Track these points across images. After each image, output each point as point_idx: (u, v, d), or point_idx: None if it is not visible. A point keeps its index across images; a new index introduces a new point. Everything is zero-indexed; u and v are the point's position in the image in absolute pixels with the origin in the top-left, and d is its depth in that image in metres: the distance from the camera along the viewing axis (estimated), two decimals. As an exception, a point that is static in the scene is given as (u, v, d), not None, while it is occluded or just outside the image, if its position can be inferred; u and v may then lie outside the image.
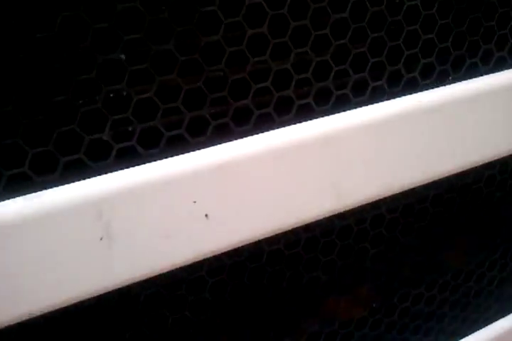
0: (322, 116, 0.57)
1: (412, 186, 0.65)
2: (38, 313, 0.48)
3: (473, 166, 0.69)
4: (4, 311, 0.46)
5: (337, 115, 0.58)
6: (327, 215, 0.60)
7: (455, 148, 0.65)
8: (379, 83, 0.60)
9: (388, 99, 0.61)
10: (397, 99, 0.61)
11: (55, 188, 0.46)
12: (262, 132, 0.54)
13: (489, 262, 0.82)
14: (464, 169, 0.68)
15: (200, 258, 0.53)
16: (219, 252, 0.54)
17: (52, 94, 0.44)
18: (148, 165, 0.49)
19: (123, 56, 0.46)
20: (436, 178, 0.66)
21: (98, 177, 0.47)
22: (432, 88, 0.63)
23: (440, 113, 0.63)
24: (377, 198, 0.63)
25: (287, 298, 0.64)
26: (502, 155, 0.71)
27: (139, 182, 0.48)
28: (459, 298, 0.80)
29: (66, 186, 0.46)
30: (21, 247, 0.45)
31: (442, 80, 0.65)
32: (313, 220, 0.59)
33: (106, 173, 0.48)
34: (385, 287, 0.72)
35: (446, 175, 0.67)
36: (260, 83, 0.53)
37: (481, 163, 0.69)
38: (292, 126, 0.56)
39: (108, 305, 0.53)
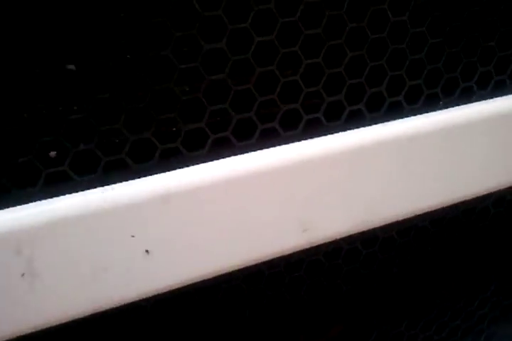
0: (290, 142, 0.51)
1: (391, 221, 0.59)
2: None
3: (458, 201, 0.62)
4: None
5: (308, 140, 0.52)
6: (292, 251, 0.54)
7: (440, 181, 0.59)
8: (357, 107, 0.54)
9: (369, 124, 0.55)
10: (379, 125, 0.55)
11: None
12: (218, 158, 0.48)
13: (479, 300, 0.76)
14: (450, 203, 0.62)
15: (137, 298, 0.48)
16: (160, 291, 0.48)
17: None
18: (80, 193, 0.43)
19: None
20: (420, 212, 0.60)
21: (17, 206, 0.42)
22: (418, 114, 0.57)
23: (425, 140, 0.56)
24: (351, 233, 0.56)
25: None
26: (497, 188, 0.65)
27: (65, 213, 0.42)
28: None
29: (-19, 216, 0.41)
30: None
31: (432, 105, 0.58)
32: (275, 256, 0.53)
33: (27, 203, 0.42)
34: (360, 327, 0.66)
35: (431, 209, 0.61)
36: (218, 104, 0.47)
37: (470, 197, 0.63)
38: (254, 153, 0.50)
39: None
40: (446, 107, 0.59)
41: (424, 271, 0.68)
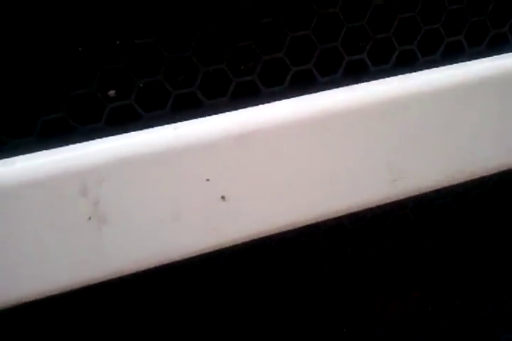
0: (379, 78, 0.45)
1: (486, 173, 0.52)
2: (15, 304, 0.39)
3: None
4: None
5: (399, 76, 0.46)
6: (378, 203, 0.48)
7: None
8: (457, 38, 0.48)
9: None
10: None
11: (30, 154, 0.37)
12: (301, 94, 0.43)
13: None
14: None
15: (213, 248, 0.43)
16: (240, 241, 0.44)
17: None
18: (149, 130, 0.39)
19: None
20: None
21: (84, 143, 0.38)
22: None
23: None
24: (441, 186, 0.51)
25: (328, 293, 0.54)
26: None
27: (133, 150, 0.38)
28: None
29: (44, 152, 0.37)
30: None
31: None
32: (361, 208, 0.48)
33: (95, 139, 0.38)
34: (441, 290, 0.61)
35: None
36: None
37: None
38: (342, 89, 0.44)
39: (95, 299, 0.44)
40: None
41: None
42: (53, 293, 0.40)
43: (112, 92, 0.39)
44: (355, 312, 0.57)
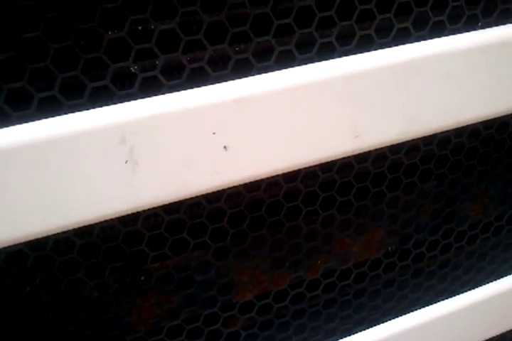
0: (344, 56, 0.58)
1: (434, 131, 0.66)
2: (65, 229, 0.51)
3: (499, 115, 0.69)
4: (34, 224, 0.50)
5: (359, 55, 0.59)
6: (345, 155, 0.61)
7: (485, 94, 0.65)
8: (405, 25, 0.61)
9: (415, 41, 0.62)
10: (422, 43, 0.62)
11: (83, 112, 0.49)
12: (284, 68, 0.56)
13: (508, 216, 0.83)
14: (490, 117, 0.68)
15: (220, 188, 0.56)
16: (237, 183, 0.57)
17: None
18: (170, 95, 0.52)
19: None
20: (459, 125, 0.67)
21: (123, 103, 0.50)
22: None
23: (472, 54, 0.63)
24: (397, 141, 0.64)
25: (303, 233, 0.67)
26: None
27: (161, 111, 0.51)
28: (476, 249, 0.82)
29: (93, 110, 0.49)
30: (51, 165, 0.48)
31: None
32: (331, 159, 0.61)
33: (130, 101, 0.50)
34: (401, 232, 0.74)
35: (470, 122, 0.67)
36: (283, 20, 0.54)
37: (508, 112, 0.69)
38: (314, 64, 0.57)
39: (130, 228, 0.57)
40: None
41: (459, 183, 0.76)
42: (99, 220, 0.52)
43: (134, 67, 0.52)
44: (328, 248, 0.70)
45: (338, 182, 0.66)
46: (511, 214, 0.82)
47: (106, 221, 0.53)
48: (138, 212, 0.54)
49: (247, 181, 0.57)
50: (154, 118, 0.50)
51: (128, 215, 0.54)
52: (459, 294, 0.80)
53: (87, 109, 0.49)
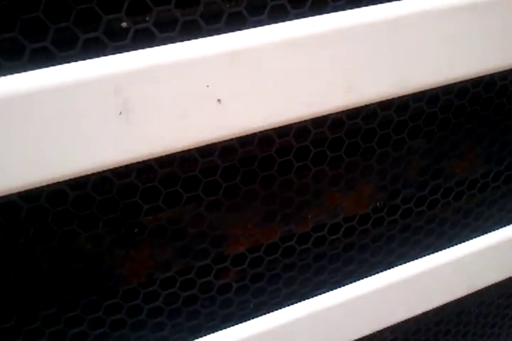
0: (336, 11, 0.58)
1: (423, 88, 0.66)
2: (59, 180, 0.52)
3: (487, 73, 0.70)
4: (27, 175, 0.50)
5: (351, 11, 0.59)
6: (337, 110, 0.62)
7: (473, 52, 0.66)
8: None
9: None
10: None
11: (77, 62, 0.49)
12: (277, 23, 0.56)
13: (494, 173, 0.84)
14: (479, 75, 0.69)
15: (213, 141, 0.57)
16: (230, 137, 0.58)
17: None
18: (164, 46, 0.52)
19: None
20: (448, 82, 0.68)
21: (116, 55, 0.50)
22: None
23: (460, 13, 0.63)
24: (387, 97, 0.65)
25: (295, 188, 0.68)
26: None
27: (155, 63, 0.51)
28: (462, 205, 0.84)
29: (87, 61, 0.49)
30: (44, 115, 0.48)
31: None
32: (323, 114, 0.62)
33: (123, 52, 0.50)
34: (390, 187, 0.75)
35: (459, 79, 0.68)
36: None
37: (496, 70, 0.70)
38: (307, 19, 0.57)
39: (124, 180, 0.57)
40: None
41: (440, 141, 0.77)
42: (92, 172, 0.53)
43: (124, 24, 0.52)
44: (319, 202, 0.71)
45: (329, 139, 0.67)
46: (496, 171, 0.84)
47: (100, 173, 0.54)
48: (132, 165, 0.55)
49: (241, 135, 0.58)
50: (148, 69, 0.51)
51: (122, 167, 0.55)
52: (444, 249, 0.82)
53: (82, 60, 0.49)
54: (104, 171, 0.54)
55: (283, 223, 0.70)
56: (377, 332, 0.81)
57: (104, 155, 0.52)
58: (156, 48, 0.51)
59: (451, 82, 0.68)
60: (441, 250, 0.81)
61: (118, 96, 0.50)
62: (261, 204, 0.67)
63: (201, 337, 0.68)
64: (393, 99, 0.67)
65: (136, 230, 0.62)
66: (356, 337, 0.78)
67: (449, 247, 0.82)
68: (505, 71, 0.72)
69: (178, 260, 0.66)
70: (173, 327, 0.67)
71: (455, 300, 0.86)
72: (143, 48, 0.51)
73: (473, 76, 0.69)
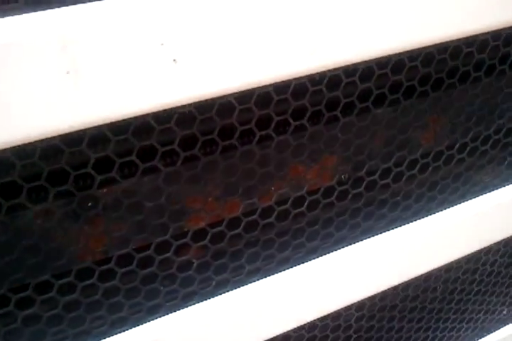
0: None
1: (387, 53, 0.64)
2: (2, 147, 0.48)
3: (453, 38, 0.68)
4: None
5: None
6: (301, 74, 0.59)
7: (441, 16, 0.64)
8: None
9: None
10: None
11: (18, 15, 0.45)
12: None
13: (460, 145, 0.83)
14: (443, 41, 0.67)
15: (169, 106, 0.53)
16: (187, 102, 0.54)
17: None
18: (114, 0, 0.48)
19: None
20: (412, 48, 0.66)
21: (62, 8, 0.46)
22: None
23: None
24: (351, 62, 0.62)
25: (256, 158, 0.65)
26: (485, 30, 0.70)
27: (104, 17, 0.47)
28: (427, 178, 0.82)
29: (30, 14, 0.45)
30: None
31: None
32: (286, 78, 0.59)
33: (69, 5, 0.46)
34: (354, 159, 0.73)
35: (424, 44, 0.66)
36: None
37: (462, 36, 0.68)
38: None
39: (75, 149, 0.53)
40: None
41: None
42: (39, 138, 0.49)
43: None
44: (282, 174, 0.69)
45: (292, 106, 0.64)
46: (462, 143, 0.83)
47: (48, 140, 0.50)
48: (83, 132, 0.51)
49: (199, 100, 0.55)
50: (97, 25, 0.47)
51: (72, 134, 0.51)
52: (409, 223, 0.80)
53: (24, 13, 0.45)
54: (52, 138, 0.50)
55: (245, 196, 0.67)
56: (343, 308, 0.79)
57: (51, 120, 0.48)
58: (104, 1, 0.47)
59: (415, 47, 0.66)
60: (406, 224, 0.80)
61: (65, 53, 0.46)
62: (222, 176, 0.64)
63: (161, 316, 0.65)
64: (358, 65, 0.64)
65: (89, 204, 0.59)
66: (324, 314, 0.76)
67: (414, 221, 0.80)
68: (470, 37, 0.70)
69: (135, 236, 0.62)
70: (131, 307, 0.64)
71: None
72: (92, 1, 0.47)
73: (438, 41, 0.67)
